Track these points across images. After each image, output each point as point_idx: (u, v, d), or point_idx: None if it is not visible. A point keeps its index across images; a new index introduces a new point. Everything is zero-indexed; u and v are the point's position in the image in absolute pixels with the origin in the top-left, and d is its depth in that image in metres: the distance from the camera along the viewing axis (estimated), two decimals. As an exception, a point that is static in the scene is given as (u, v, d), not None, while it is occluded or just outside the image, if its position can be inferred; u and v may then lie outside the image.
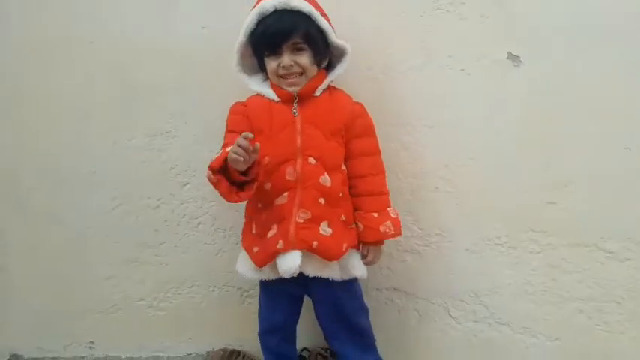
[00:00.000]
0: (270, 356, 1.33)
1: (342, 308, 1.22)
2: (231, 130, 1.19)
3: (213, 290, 1.57)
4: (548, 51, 1.22)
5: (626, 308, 1.24)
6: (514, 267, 1.32)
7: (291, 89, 1.14)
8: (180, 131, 1.48)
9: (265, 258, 1.15)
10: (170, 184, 1.52)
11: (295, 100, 1.16)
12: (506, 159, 1.29)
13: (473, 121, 1.31)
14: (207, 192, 1.52)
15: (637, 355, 1.24)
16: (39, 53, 1.45)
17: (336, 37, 1.14)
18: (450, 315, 1.40)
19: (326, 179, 1.15)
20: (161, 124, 1.48)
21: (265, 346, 1.33)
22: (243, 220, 1.46)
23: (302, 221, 1.13)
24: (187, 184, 1.52)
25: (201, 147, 1.47)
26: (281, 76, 1.14)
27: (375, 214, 1.19)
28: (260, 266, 1.17)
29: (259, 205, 1.20)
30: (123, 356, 1.59)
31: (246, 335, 1.55)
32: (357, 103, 1.23)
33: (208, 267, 1.56)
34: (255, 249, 1.18)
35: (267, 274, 1.19)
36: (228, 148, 1.01)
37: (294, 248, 1.11)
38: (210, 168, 1.03)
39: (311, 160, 1.14)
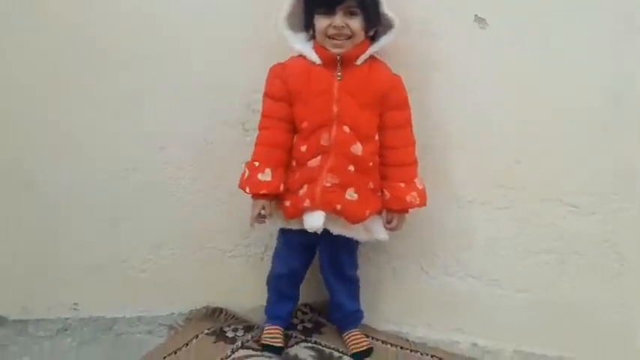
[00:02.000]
0: (277, 296, 1.45)
1: (342, 260, 1.37)
2: (269, 95, 1.24)
3: (194, 251, 1.61)
4: (515, 14, 1.23)
5: (588, 260, 1.29)
6: (484, 223, 1.36)
7: (335, 50, 1.16)
8: (155, 94, 1.48)
9: (294, 212, 1.24)
10: (148, 147, 1.52)
11: (338, 64, 1.18)
12: (477, 119, 1.31)
13: (443, 83, 1.32)
14: (185, 154, 1.54)
15: (598, 303, 1.31)
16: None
17: (388, 8, 1.15)
18: (423, 270, 1.45)
19: (357, 148, 1.19)
20: (136, 88, 1.47)
21: (275, 288, 1.44)
22: (222, 182, 1.50)
23: (329, 185, 1.19)
24: (165, 147, 1.53)
25: (176, 109, 1.48)
26: (329, 37, 1.15)
27: (402, 184, 1.24)
28: (288, 219, 1.27)
29: (294, 164, 1.26)
30: (107, 317, 1.61)
31: (228, 294, 1.61)
32: (395, 75, 1.24)
33: (189, 228, 1.59)
34: (287, 203, 1.26)
35: (292, 224, 1.29)
36: (253, 209, 1.24)
37: (318, 209, 1.20)
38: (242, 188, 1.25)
39: (345, 128, 1.18)
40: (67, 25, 1.43)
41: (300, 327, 1.50)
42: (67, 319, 1.61)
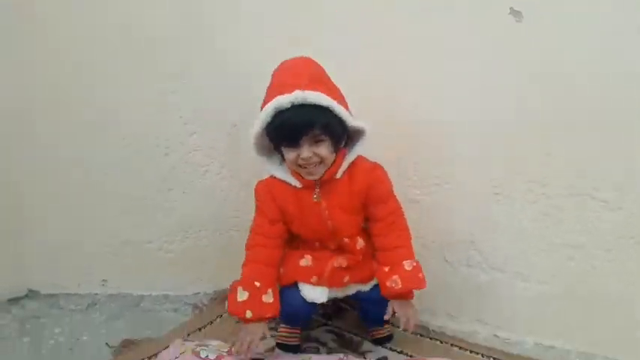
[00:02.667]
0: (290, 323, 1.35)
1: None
2: (266, 217, 1.21)
3: (219, 234, 1.64)
4: (552, 7, 1.21)
5: (614, 255, 1.27)
6: (509, 215, 1.35)
7: (309, 177, 1.14)
8: (188, 81, 1.52)
9: (289, 281, 1.22)
10: (178, 133, 1.57)
11: (317, 186, 1.16)
12: (506, 112, 1.30)
13: (474, 74, 1.31)
14: (214, 141, 1.58)
15: (622, 297, 1.29)
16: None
17: (353, 120, 1.11)
18: (445, 260, 1.45)
19: (360, 243, 1.24)
20: (168, 73, 1.51)
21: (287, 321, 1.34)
22: (249, 168, 1.53)
23: (338, 266, 1.21)
24: (195, 133, 1.57)
25: (207, 94, 1.52)
26: (300, 165, 1.11)
27: (387, 268, 1.19)
28: (282, 286, 1.22)
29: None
30: (134, 294, 1.67)
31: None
32: (373, 168, 1.21)
33: (214, 212, 1.63)
34: (281, 270, 1.23)
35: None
36: (250, 335, 1.14)
37: (325, 286, 1.21)
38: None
39: (345, 239, 1.22)
40: (104, 10, 1.47)
41: (321, 311, 1.52)
42: (96, 294, 1.67)
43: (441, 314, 1.49)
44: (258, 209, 1.22)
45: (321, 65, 1.14)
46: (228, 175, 1.61)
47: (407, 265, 1.18)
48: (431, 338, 1.43)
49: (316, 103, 1.03)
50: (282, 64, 1.12)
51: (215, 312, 1.54)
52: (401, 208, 1.24)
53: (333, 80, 1.15)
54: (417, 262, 1.19)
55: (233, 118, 1.54)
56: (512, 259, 1.38)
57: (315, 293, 1.20)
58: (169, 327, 1.49)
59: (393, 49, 1.34)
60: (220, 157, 1.60)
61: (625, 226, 1.26)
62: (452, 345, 1.39)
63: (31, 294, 1.68)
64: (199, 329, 1.46)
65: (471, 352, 1.36)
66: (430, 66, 1.34)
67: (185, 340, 1.25)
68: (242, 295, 1.13)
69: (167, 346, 1.24)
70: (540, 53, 1.24)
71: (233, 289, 1.15)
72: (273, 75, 1.12)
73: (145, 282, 1.67)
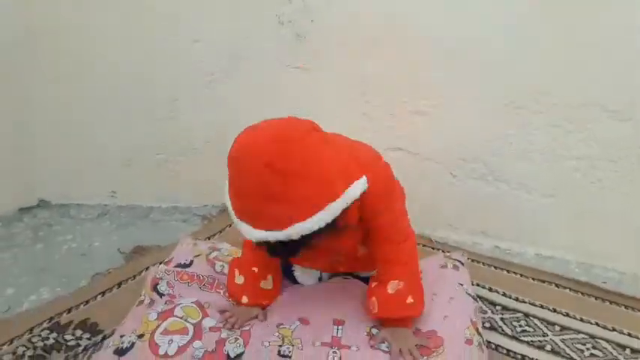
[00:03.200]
0: None
1: None
2: None
3: (227, 147, 1.64)
4: None
5: (620, 166, 1.29)
6: (518, 127, 1.35)
7: None
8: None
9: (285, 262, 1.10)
10: (182, 40, 1.53)
11: None
12: (517, 21, 1.28)
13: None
14: (219, 50, 1.54)
15: (626, 209, 1.32)
16: None
17: (340, 206, 0.75)
18: (450, 173, 1.47)
19: (361, 250, 1.03)
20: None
21: None
22: (256, 79, 1.50)
23: (335, 262, 1.09)
24: (198, 41, 1.53)
25: (209, 5, 1.48)
26: None
27: (374, 285, 0.99)
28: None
29: None
30: (144, 205, 1.70)
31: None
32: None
33: (221, 123, 1.62)
34: None
35: None
36: (242, 316, 0.99)
37: (319, 270, 1.11)
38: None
39: (339, 257, 1.06)
40: None
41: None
42: (105, 205, 1.71)
43: (444, 226, 1.52)
44: None
45: (298, 132, 0.75)
46: (235, 87, 1.59)
47: (391, 287, 0.94)
48: (433, 248, 1.47)
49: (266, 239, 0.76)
50: (235, 150, 0.79)
51: (224, 223, 1.57)
52: (403, 214, 1.00)
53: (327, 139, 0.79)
54: (409, 282, 0.95)
55: (239, 25, 1.50)
56: (518, 171, 1.40)
57: (309, 279, 1.12)
58: (179, 234, 1.51)
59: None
60: (227, 67, 1.57)
61: (632, 138, 1.26)
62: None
63: (42, 204, 1.71)
64: (208, 238, 1.49)
65: (472, 260, 1.39)
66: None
67: (196, 240, 1.28)
68: (238, 279, 1.04)
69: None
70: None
71: (231, 268, 1.07)
72: (228, 161, 0.82)
73: (153, 194, 1.70)
